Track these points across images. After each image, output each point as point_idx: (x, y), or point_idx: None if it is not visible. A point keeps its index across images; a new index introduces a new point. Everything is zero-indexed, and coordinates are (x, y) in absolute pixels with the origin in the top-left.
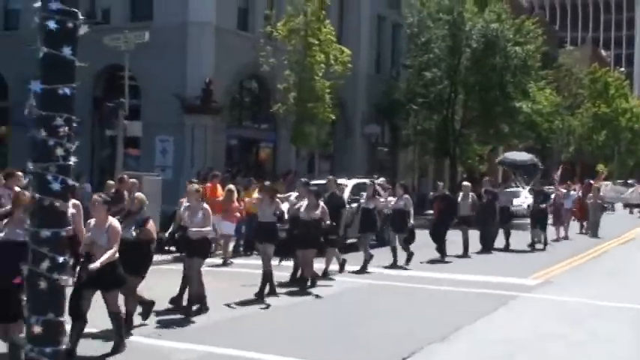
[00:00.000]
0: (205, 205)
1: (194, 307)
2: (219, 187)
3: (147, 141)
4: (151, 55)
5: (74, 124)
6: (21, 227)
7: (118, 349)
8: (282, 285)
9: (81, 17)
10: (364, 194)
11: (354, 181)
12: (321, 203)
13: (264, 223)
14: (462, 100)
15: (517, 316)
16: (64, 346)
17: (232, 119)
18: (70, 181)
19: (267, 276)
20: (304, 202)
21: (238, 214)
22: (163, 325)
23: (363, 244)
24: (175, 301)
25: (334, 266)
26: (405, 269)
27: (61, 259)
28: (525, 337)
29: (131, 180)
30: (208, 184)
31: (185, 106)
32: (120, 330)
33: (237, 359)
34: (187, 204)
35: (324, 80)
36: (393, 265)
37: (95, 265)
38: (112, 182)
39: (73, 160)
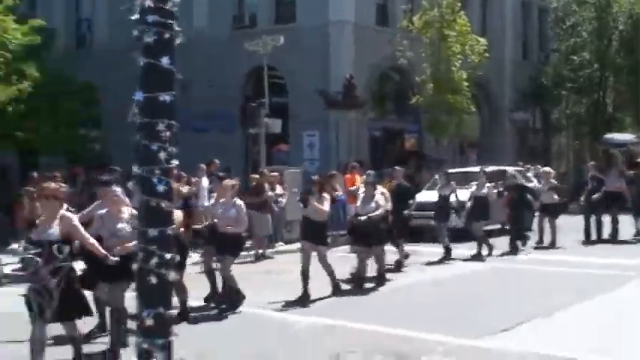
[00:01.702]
0: (239, 202)
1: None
2: (357, 178)
3: (295, 136)
4: (296, 54)
5: (174, 129)
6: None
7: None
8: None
9: (177, 28)
10: (474, 183)
11: (492, 168)
12: (377, 193)
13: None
14: (612, 83)
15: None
16: (172, 338)
17: (375, 112)
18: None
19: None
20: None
21: None
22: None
23: (474, 231)
24: (210, 297)
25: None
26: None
27: (167, 256)
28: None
29: (272, 173)
30: (347, 175)
31: (328, 102)
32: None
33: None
34: (222, 200)
35: (462, 71)
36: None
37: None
38: (255, 176)
39: (175, 162)
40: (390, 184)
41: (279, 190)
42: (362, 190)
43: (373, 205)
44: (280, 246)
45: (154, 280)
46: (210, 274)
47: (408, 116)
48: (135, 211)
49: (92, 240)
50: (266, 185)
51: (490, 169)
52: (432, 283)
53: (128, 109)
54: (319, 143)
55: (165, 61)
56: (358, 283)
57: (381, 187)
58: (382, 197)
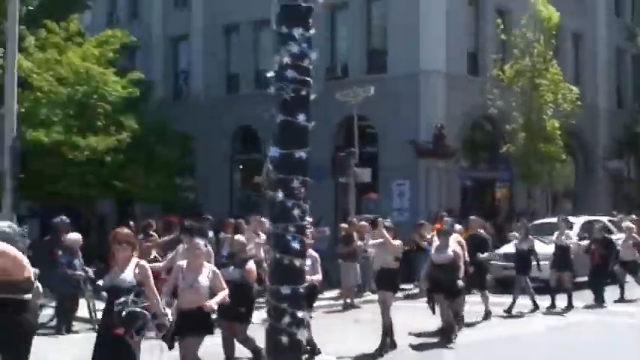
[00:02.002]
0: (314, 253)
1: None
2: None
3: (384, 185)
4: (387, 103)
5: (307, 186)
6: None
7: None
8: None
9: (312, 84)
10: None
11: (583, 218)
12: (453, 243)
13: (384, 270)
14: None
15: None
16: None
17: (466, 161)
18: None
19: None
20: (435, 244)
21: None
22: None
23: (517, 286)
24: None
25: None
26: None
27: (300, 314)
28: None
29: (361, 223)
30: (437, 225)
31: (418, 151)
32: None
33: None
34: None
35: (554, 120)
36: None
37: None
38: (344, 225)
39: (308, 219)
40: (466, 233)
41: (368, 239)
42: (436, 239)
43: (450, 253)
44: (368, 295)
45: (285, 339)
46: None
47: (500, 165)
48: (215, 269)
49: (157, 296)
50: (355, 234)
51: (581, 219)
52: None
53: (219, 159)
54: (409, 192)
55: (301, 117)
56: (446, 336)
57: (458, 235)
58: (458, 246)
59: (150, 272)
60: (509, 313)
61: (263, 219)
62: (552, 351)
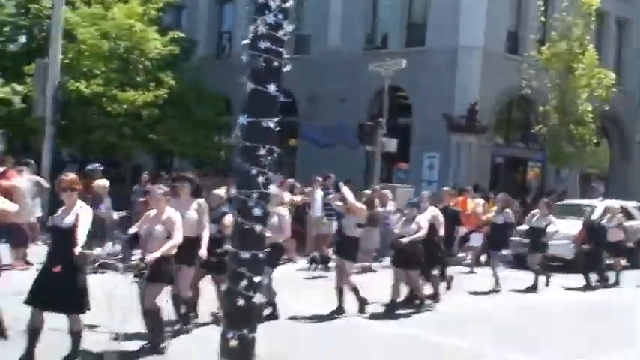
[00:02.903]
0: (283, 212)
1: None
2: (468, 201)
3: (415, 156)
4: (423, 76)
5: (275, 155)
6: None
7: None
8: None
9: (286, 56)
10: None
11: (605, 202)
12: (421, 218)
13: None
14: None
15: None
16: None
17: (498, 139)
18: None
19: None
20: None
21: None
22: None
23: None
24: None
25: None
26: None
27: (257, 279)
28: None
29: (384, 191)
30: (459, 199)
31: (451, 125)
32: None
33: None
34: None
35: (587, 103)
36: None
37: (152, 256)
38: (367, 191)
39: (272, 188)
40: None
41: (390, 207)
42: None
43: (413, 226)
44: (384, 261)
45: (241, 302)
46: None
47: (534, 145)
48: (172, 217)
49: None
50: (376, 201)
51: (604, 203)
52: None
53: None
54: (439, 165)
55: (272, 87)
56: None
57: (434, 209)
58: (426, 219)
59: (88, 216)
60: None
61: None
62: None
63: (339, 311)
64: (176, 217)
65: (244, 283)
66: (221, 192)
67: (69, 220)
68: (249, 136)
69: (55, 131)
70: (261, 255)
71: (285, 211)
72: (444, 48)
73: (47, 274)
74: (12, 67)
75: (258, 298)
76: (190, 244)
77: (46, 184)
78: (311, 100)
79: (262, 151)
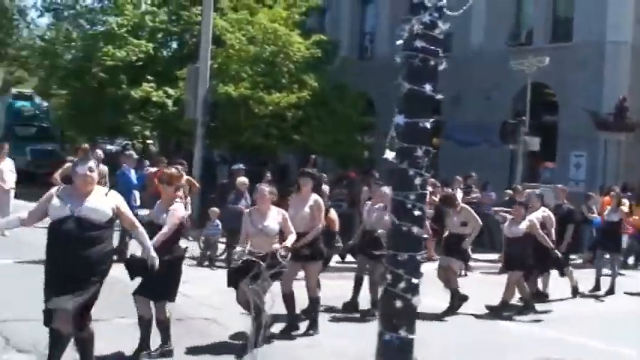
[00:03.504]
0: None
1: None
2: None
3: (562, 154)
4: (569, 72)
5: (430, 156)
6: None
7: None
8: None
9: (441, 55)
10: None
11: None
12: (530, 217)
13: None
14: None
15: None
16: None
17: None
18: (425, 209)
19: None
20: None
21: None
22: None
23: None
24: (348, 306)
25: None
26: None
27: (415, 281)
28: None
29: (526, 190)
30: (606, 198)
31: (598, 122)
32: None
33: None
34: (377, 205)
35: None
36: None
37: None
38: (508, 191)
39: (428, 189)
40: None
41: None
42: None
43: (522, 226)
44: None
45: (399, 303)
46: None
47: None
48: (284, 213)
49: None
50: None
51: None
52: None
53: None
54: (586, 164)
55: (428, 87)
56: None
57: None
58: (535, 220)
59: (180, 213)
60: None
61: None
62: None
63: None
64: (286, 215)
65: (402, 284)
66: (387, 190)
67: (164, 216)
68: (405, 136)
69: (205, 132)
70: (418, 257)
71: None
72: (590, 43)
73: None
74: (165, 72)
75: (416, 300)
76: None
77: (196, 184)
78: (454, 99)
79: (419, 152)
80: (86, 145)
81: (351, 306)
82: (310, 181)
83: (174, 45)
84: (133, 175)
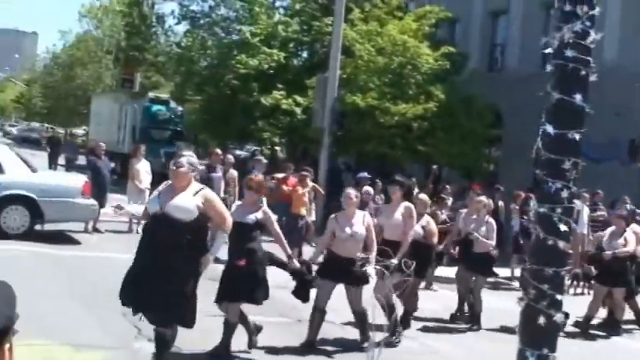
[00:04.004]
0: (491, 220)
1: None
2: None
3: None
4: None
5: (579, 169)
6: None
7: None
8: None
9: (592, 64)
10: None
11: None
12: (629, 232)
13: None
14: None
15: None
16: None
17: None
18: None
19: None
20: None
21: None
22: None
23: None
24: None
25: None
26: None
27: (559, 297)
28: None
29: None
30: None
31: None
32: (363, 328)
33: None
34: (474, 216)
35: None
36: None
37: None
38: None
39: (577, 203)
40: None
41: None
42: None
43: (621, 241)
44: None
45: (542, 320)
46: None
47: None
48: (369, 219)
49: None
50: None
51: None
52: None
53: (526, 133)
54: None
55: (578, 97)
56: (584, 327)
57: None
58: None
59: (270, 216)
60: None
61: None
62: None
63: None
64: (370, 220)
65: (546, 301)
66: (426, 197)
67: (253, 216)
68: (553, 148)
69: (332, 141)
70: (563, 272)
71: (492, 220)
72: None
73: (232, 269)
74: (295, 81)
75: (559, 317)
76: (397, 247)
77: (321, 191)
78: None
79: (567, 165)
80: (218, 150)
81: (458, 316)
82: (399, 189)
83: (305, 54)
84: None
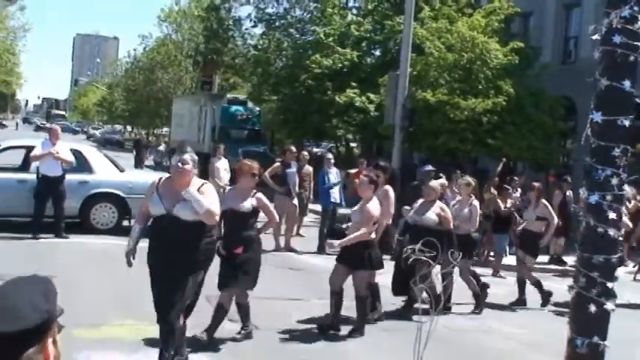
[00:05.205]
0: (475, 202)
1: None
2: None
3: None
4: None
5: (629, 155)
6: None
7: (355, 332)
8: None
9: None
10: None
11: None
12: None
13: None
14: None
15: None
16: None
17: None
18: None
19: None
20: None
21: None
22: None
23: None
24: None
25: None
26: None
27: (610, 285)
28: None
29: None
30: None
31: None
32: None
33: None
34: (457, 197)
35: None
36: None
37: (341, 241)
38: None
39: (627, 189)
40: None
41: None
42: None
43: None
44: None
45: (592, 308)
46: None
47: None
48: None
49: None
50: None
51: None
52: None
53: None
54: None
55: (627, 84)
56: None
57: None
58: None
59: (265, 201)
60: None
61: None
62: None
63: (520, 303)
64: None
65: (597, 289)
66: (436, 184)
67: (249, 204)
68: (602, 135)
69: (404, 136)
70: (614, 260)
71: (476, 202)
72: None
73: (228, 257)
74: (368, 79)
75: (610, 304)
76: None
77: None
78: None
79: (617, 151)
80: (292, 147)
81: (519, 303)
82: (382, 174)
83: (377, 53)
84: (332, 175)
